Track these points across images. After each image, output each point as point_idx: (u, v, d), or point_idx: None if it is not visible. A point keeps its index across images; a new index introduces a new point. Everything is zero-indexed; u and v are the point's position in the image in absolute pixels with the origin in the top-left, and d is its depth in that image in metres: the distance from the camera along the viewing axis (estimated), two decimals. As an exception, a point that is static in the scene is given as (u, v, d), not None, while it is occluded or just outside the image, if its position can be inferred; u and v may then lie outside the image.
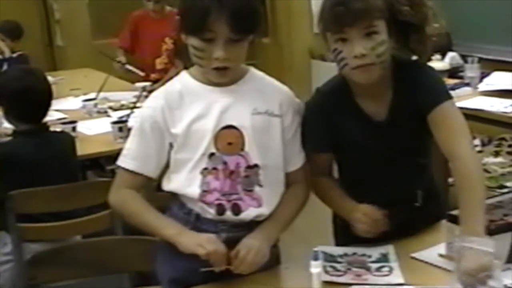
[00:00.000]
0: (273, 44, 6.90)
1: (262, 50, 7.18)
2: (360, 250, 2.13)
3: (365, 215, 2.05)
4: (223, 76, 1.96)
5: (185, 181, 1.99)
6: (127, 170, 2.03)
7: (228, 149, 1.97)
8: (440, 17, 2.09)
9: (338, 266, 2.03)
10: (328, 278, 1.96)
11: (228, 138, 1.97)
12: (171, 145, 2.00)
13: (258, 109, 2.00)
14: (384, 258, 2.08)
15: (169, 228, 1.98)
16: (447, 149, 2.02)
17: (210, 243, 1.91)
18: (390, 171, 2.16)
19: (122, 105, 4.39)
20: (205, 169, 1.97)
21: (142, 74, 4.93)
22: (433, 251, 2.08)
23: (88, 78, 5.53)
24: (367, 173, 2.18)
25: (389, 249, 2.12)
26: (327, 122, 2.13)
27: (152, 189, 2.22)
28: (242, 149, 1.98)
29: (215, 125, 1.96)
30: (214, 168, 1.97)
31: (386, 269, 2.02)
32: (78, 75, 5.75)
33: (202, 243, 1.90)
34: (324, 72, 7.25)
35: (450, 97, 2.08)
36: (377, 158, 2.15)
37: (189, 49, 1.96)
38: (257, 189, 1.99)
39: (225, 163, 1.97)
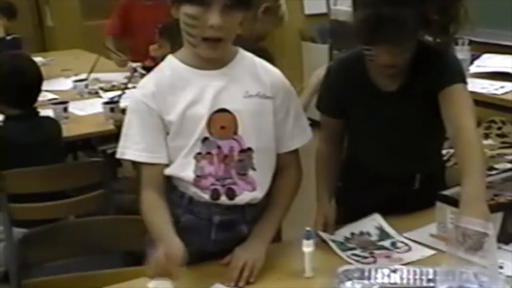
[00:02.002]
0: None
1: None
2: (352, 228, 2.15)
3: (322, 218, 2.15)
4: (214, 49, 1.93)
5: (180, 166, 1.97)
6: (144, 163, 1.98)
7: (221, 133, 1.95)
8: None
9: (358, 252, 2.04)
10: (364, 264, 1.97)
11: (221, 121, 1.96)
12: (167, 132, 1.97)
13: (250, 92, 1.99)
14: (384, 234, 2.12)
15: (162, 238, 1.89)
16: (453, 122, 2.05)
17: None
18: (392, 148, 2.21)
19: (113, 86, 4.39)
20: (199, 153, 1.95)
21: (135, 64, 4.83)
22: (424, 231, 2.11)
23: (79, 59, 5.51)
24: (369, 146, 2.26)
25: (378, 220, 2.16)
26: (338, 88, 2.24)
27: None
28: (235, 133, 1.97)
29: (209, 109, 1.94)
30: (208, 153, 1.96)
31: (400, 244, 2.06)
32: (69, 56, 5.73)
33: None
34: (315, 54, 7.26)
35: (464, 82, 2.12)
36: (382, 131, 2.21)
37: (181, 20, 1.92)
38: (250, 172, 1.99)
39: (219, 147, 1.96)
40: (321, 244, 2.05)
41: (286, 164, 2.09)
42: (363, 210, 2.18)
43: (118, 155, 2.01)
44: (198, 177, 1.96)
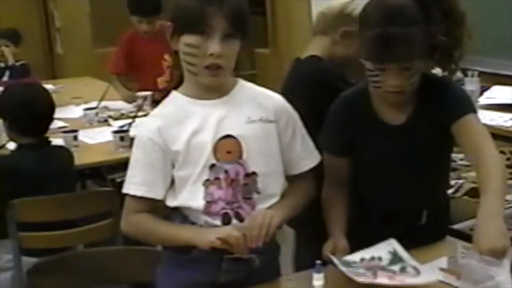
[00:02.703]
0: (273, 55, 6.91)
1: (262, 60, 7.21)
2: (364, 253, 2.09)
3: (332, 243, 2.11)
4: (215, 77, 1.97)
5: (189, 195, 2.00)
6: (134, 196, 2.03)
7: (227, 157, 1.99)
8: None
9: (361, 270, 2.01)
10: (363, 279, 1.95)
11: (227, 147, 1.99)
12: (173, 164, 2.01)
13: (252, 117, 2.03)
14: (397, 259, 2.07)
15: (185, 232, 2.00)
16: (474, 152, 2.05)
17: (225, 231, 1.93)
18: (399, 183, 2.20)
19: (122, 114, 4.39)
20: (208, 180, 1.98)
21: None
22: (434, 265, 2.09)
23: (88, 86, 5.52)
24: (375, 181, 2.24)
25: (393, 244, 2.11)
26: (343, 126, 2.22)
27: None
28: (240, 157, 2.00)
29: (213, 136, 1.98)
30: (216, 178, 1.98)
31: (410, 269, 2.02)
32: (79, 84, 5.74)
33: (217, 235, 1.91)
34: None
35: (475, 111, 2.12)
36: (389, 166, 2.20)
37: (182, 50, 1.97)
38: (255, 196, 2.02)
39: (226, 171, 1.99)
40: (332, 277, 2.00)
41: (300, 180, 2.13)
42: (370, 245, 2.13)
43: (123, 190, 2.05)
44: (209, 203, 1.98)
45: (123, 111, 4.46)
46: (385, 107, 2.17)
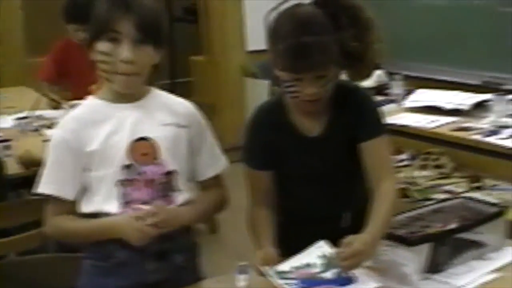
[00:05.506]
0: (208, 62, 6.95)
1: (197, 67, 7.23)
2: (295, 261, 2.08)
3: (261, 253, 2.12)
4: (129, 83, 2.03)
5: (104, 196, 2.04)
6: (47, 196, 2.06)
7: (143, 159, 2.04)
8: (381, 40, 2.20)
9: (296, 282, 1.99)
10: None
11: (142, 149, 2.04)
12: (86, 167, 2.04)
13: (165, 121, 2.09)
14: (329, 263, 2.04)
15: (105, 226, 2.03)
16: (373, 175, 2.16)
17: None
18: (319, 189, 2.26)
19: (52, 124, 4.37)
20: (123, 180, 2.02)
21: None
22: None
23: (22, 96, 5.47)
24: (298, 190, 2.28)
25: (324, 247, 2.09)
26: (263, 139, 2.24)
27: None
28: (156, 158, 2.05)
29: (128, 138, 2.03)
30: (131, 179, 2.03)
31: (345, 275, 2.01)
32: (12, 93, 5.69)
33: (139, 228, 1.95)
34: (257, 90, 7.35)
35: (385, 131, 2.20)
36: (308, 174, 2.25)
37: (96, 58, 2.02)
38: (173, 195, 2.07)
39: (141, 173, 2.03)
40: (258, 278, 2.03)
41: (209, 187, 2.19)
42: (294, 252, 2.12)
43: (34, 189, 2.09)
44: (126, 203, 2.02)
45: (54, 120, 4.44)
46: (301, 118, 2.22)
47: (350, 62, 2.15)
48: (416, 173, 5.23)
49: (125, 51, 1.98)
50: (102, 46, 2.00)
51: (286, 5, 2.17)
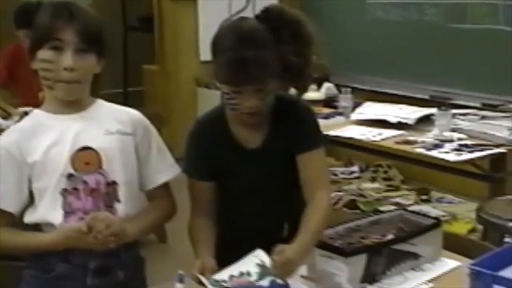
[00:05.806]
0: (160, 71, 6.93)
1: (150, 77, 7.21)
2: (232, 270, 2.08)
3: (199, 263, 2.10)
4: (71, 90, 2.04)
5: (47, 206, 2.03)
6: None
7: (86, 168, 2.04)
8: (321, 54, 2.25)
9: None
10: None
11: (85, 158, 2.04)
12: (30, 178, 2.03)
13: (110, 130, 2.09)
14: (265, 272, 2.04)
15: (43, 236, 2.03)
16: (308, 187, 2.20)
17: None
18: (259, 200, 2.27)
19: (1, 130, 4.34)
20: (65, 190, 2.02)
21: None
22: (296, 272, 2.18)
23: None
24: (238, 201, 2.29)
25: (260, 256, 2.09)
26: (204, 150, 2.25)
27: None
28: (100, 167, 2.05)
29: (70, 148, 2.03)
30: (75, 189, 2.03)
31: (280, 282, 2.01)
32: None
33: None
34: (209, 100, 7.33)
35: (323, 144, 2.24)
36: (249, 186, 2.26)
37: (38, 66, 2.04)
38: (116, 205, 2.07)
39: (85, 182, 2.03)
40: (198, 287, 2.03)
41: (157, 197, 2.20)
42: (234, 262, 2.12)
43: None
44: (67, 214, 2.01)
45: (3, 127, 4.40)
46: (241, 130, 2.24)
47: (289, 76, 2.18)
48: (366, 185, 5.30)
49: (68, 59, 1.99)
50: (45, 54, 2.01)
51: (236, 18, 2.20)
